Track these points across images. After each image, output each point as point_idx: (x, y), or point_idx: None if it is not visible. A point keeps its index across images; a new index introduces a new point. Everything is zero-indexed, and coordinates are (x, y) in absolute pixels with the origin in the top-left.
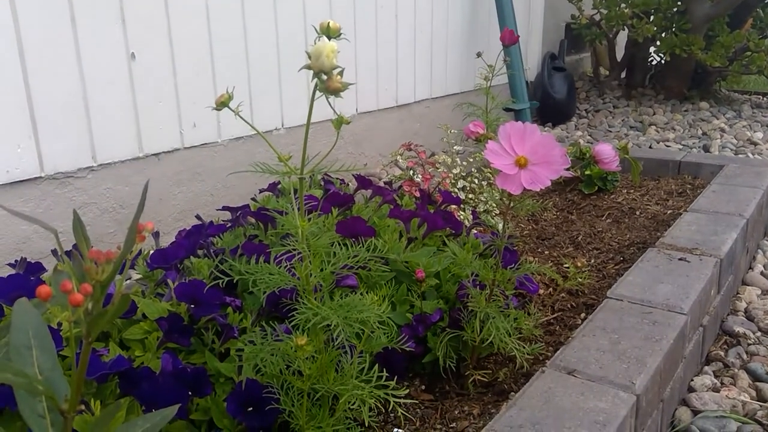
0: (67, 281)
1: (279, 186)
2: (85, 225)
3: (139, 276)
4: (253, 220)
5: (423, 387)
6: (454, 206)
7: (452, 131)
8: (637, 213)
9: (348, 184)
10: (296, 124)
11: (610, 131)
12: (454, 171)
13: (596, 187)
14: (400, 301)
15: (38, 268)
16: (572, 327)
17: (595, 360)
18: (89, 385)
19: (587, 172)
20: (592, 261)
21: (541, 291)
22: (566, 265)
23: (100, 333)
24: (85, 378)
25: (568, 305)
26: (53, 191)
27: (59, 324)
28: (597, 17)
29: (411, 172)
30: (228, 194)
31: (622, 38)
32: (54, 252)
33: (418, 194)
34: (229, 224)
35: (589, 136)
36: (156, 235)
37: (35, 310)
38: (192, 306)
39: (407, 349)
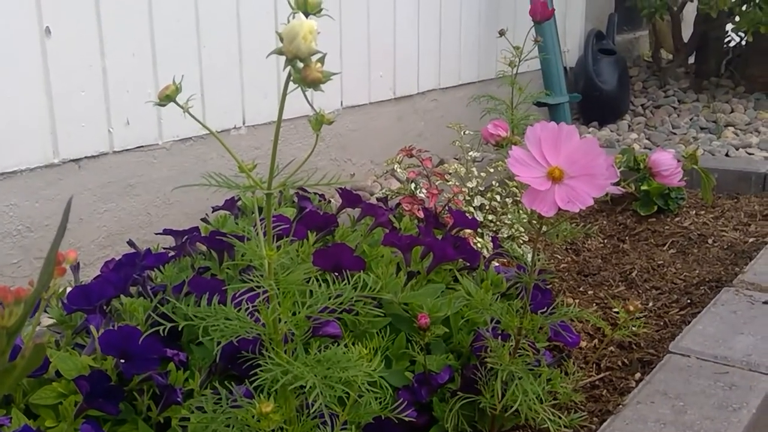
0: None
1: (238, 203)
2: None
3: (51, 320)
4: (203, 248)
5: None
6: (468, 231)
7: (467, 132)
8: (710, 241)
9: (330, 201)
10: (261, 121)
11: (674, 133)
12: (470, 184)
13: (655, 207)
14: (398, 355)
15: None
16: (623, 391)
17: None
18: None
19: (644, 188)
20: (650, 304)
21: (582, 343)
22: (615, 310)
23: None
24: None
25: (619, 362)
26: None
27: None
28: None
29: (413, 185)
30: (171, 213)
31: (690, 12)
32: None
33: (421, 215)
34: (173, 253)
35: (647, 139)
36: (75, 267)
37: None
38: (122, 361)
39: (406, 419)
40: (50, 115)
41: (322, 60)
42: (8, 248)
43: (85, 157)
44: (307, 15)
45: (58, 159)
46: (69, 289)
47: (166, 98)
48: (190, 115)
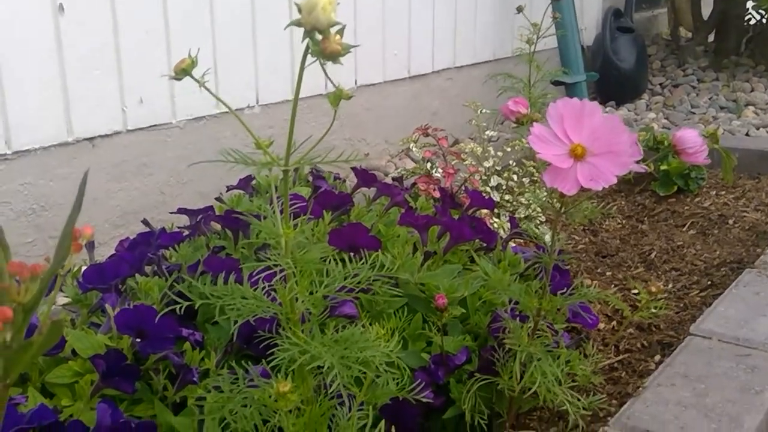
0: None
1: (253, 182)
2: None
3: (67, 300)
4: (218, 227)
5: None
6: (485, 211)
7: (483, 111)
8: (730, 222)
9: (344, 181)
10: (275, 100)
11: (693, 113)
12: (486, 164)
13: (675, 187)
14: (414, 336)
15: None
16: (643, 373)
17: (673, 418)
18: None
19: (663, 167)
20: (670, 285)
21: (601, 325)
22: (635, 291)
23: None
24: None
25: (638, 344)
26: None
27: None
28: None
29: (428, 164)
30: (185, 192)
31: None
32: None
33: (437, 194)
34: (187, 232)
35: (666, 119)
36: (90, 246)
37: None
38: (138, 340)
39: (423, 400)
40: (64, 94)
41: (341, 32)
42: (23, 227)
43: (99, 136)
44: None
45: (72, 137)
46: (84, 268)
47: (182, 72)
48: (206, 89)
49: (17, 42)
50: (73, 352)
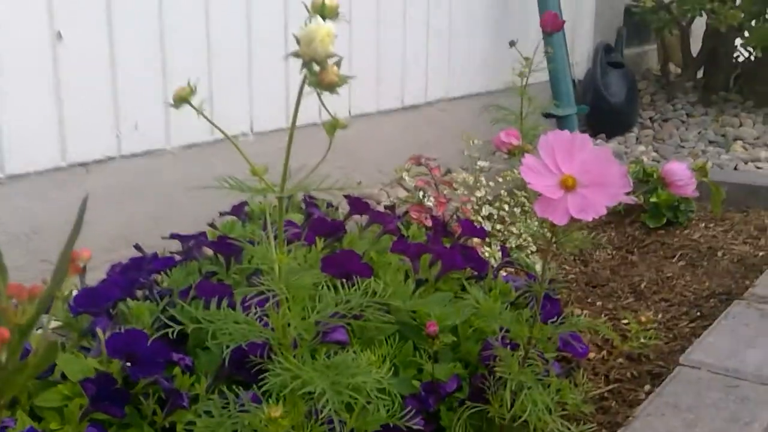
0: None
1: (246, 208)
2: None
3: (58, 323)
4: (210, 253)
5: None
6: (477, 240)
7: (476, 141)
8: (719, 254)
9: (337, 208)
10: (269, 128)
11: (683, 147)
12: (478, 194)
13: (665, 219)
14: (405, 363)
15: None
16: (633, 403)
17: None
18: None
19: (653, 200)
20: (660, 316)
21: (591, 354)
22: (625, 321)
23: None
24: None
25: (628, 374)
26: None
27: None
28: None
29: (420, 193)
30: (177, 218)
31: (698, 26)
32: None
33: (429, 223)
34: (179, 257)
35: (655, 152)
36: (81, 270)
37: None
38: (128, 364)
39: (414, 427)
40: (59, 119)
41: (338, 64)
42: (16, 252)
43: (93, 161)
44: (324, 19)
45: (66, 162)
46: (75, 292)
47: (180, 99)
48: (205, 117)
49: (13, 68)
50: (63, 375)
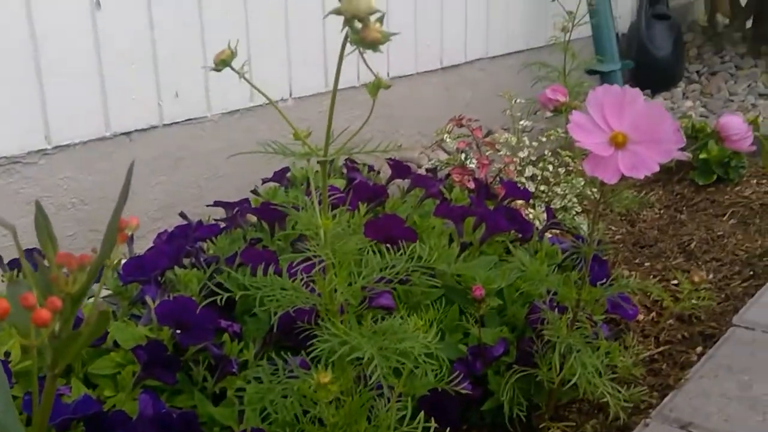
0: (29, 294)
1: (288, 174)
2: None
3: (108, 292)
4: (254, 220)
5: None
6: (521, 201)
7: (518, 101)
8: None
9: (378, 172)
10: (309, 92)
11: (732, 101)
12: (521, 155)
13: (715, 176)
14: (452, 327)
15: None
16: (685, 365)
17: (717, 410)
18: None
19: (702, 156)
20: (711, 276)
21: (640, 316)
22: (674, 282)
23: None
24: None
25: (679, 336)
26: None
27: (6, 354)
28: None
29: (462, 155)
30: (220, 186)
31: None
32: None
33: (472, 185)
34: (224, 225)
35: (703, 107)
36: (129, 238)
37: None
38: (178, 331)
39: (462, 391)
40: (101, 89)
41: (380, 20)
42: (64, 220)
43: (136, 131)
44: None
45: (110, 132)
46: (123, 261)
47: (222, 63)
48: (246, 80)
49: (55, 38)
50: (115, 343)
